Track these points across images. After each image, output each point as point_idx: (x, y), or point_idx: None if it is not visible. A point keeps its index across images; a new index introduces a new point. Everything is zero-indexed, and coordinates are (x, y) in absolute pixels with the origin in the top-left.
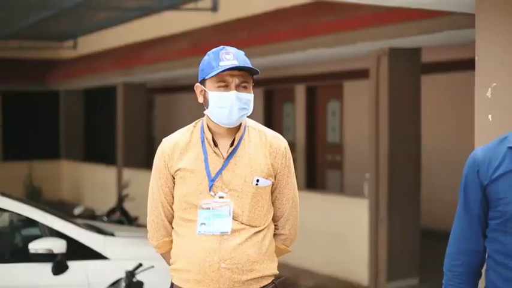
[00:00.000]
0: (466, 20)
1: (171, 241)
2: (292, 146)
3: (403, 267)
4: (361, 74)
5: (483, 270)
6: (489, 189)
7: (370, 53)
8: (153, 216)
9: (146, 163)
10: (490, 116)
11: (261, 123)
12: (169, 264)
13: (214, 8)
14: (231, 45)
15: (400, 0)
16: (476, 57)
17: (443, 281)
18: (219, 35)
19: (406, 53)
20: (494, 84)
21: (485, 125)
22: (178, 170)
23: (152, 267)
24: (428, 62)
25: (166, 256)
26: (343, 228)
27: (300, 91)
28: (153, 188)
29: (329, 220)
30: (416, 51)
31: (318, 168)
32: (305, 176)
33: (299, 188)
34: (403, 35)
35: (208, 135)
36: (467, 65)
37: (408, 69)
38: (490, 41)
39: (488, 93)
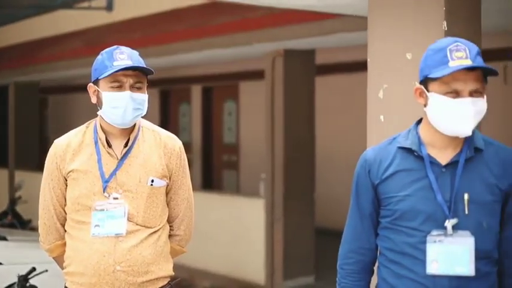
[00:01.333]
0: (359, 23)
1: (64, 244)
2: (188, 146)
3: (299, 266)
4: (257, 74)
5: (375, 267)
6: (380, 189)
7: (266, 54)
8: (44, 219)
9: (39, 164)
10: (381, 117)
11: (157, 124)
12: (62, 268)
13: (109, 7)
14: (126, 45)
15: (293, 2)
16: (368, 59)
17: (337, 279)
18: (114, 35)
19: (300, 55)
20: (386, 85)
21: (377, 125)
22: (70, 171)
23: (46, 271)
24: (322, 64)
25: (59, 260)
26: (240, 228)
27: (196, 91)
28: (44, 190)
29: (225, 220)
30: (310, 53)
31: (214, 169)
32: (201, 176)
33: (195, 189)
34: (298, 36)
35: (102, 136)
36: (361, 66)
37: (303, 70)
38: (381, 43)
39: (380, 94)
